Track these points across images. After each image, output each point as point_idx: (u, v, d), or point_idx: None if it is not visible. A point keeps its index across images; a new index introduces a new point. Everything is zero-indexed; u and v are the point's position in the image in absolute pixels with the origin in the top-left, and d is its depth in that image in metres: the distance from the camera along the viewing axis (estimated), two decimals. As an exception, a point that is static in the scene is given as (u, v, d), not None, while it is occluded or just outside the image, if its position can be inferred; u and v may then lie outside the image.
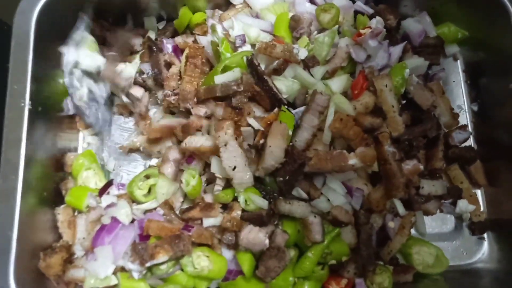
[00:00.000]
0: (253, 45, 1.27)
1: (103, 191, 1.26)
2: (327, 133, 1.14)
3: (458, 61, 1.53)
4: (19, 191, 1.09)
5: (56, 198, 1.26)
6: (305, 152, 1.13)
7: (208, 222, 1.15)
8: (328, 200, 1.15)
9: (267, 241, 1.09)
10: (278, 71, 1.20)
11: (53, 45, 1.27)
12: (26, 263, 1.10)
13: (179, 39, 1.34)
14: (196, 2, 1.34)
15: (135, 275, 1.09)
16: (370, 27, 1.24)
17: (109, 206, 1.21)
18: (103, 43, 1.38)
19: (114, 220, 1.18)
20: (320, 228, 1.11)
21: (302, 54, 1.23)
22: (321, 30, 1.33)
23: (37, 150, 1.18)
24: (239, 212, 1.12)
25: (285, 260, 1.07)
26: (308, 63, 1.23)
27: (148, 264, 1.07)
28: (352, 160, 1.08)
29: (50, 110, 1.26)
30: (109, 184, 1.28)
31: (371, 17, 1.33)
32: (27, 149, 1.12)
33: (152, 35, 1.40)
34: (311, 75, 1.24)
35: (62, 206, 1.25)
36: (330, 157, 1.09)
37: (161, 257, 1.08)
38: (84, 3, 1.28)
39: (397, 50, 1.33)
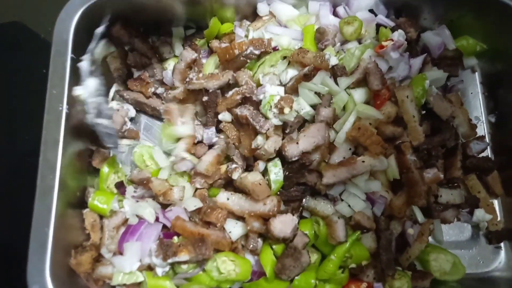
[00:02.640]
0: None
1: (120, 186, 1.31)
2: (341, 136, 1.19)
3: (476, 73, 1.56)
4: (56, 190, 1.14)
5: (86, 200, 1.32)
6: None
7: (235, 232, 1.19)
8: (349, 206, 1.19)
9: (297, 221, 1.14)
10: (308, 77, 1.26)
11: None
12: (60, 259, 1.15)
13: (215, 43, 1.40)
14: (224, 13, 1.40)
15: (159, 271, 1.14)
16: (392, 40, 1.29)
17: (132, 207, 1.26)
18: (131, 50, 1.45)
19: (138, 220, 1.23)
20: (344, 228, 1.16)
21: (333, 61, 1.28)
22: (344, 41, 1.38)
23: (73, 151, 1.23)
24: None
25: (301, 261, 1.11)
26: (337, 72, 1.28)
27: (170, 261, 1.12)
28: (362, 159, 1.13)
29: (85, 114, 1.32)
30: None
31: (392, 29, 1.37)
32: (63, 150, 1.18)
33: (179, 45, 1.47)
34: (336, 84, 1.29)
35: (87, 209, 1.28)
36: (342, 166, 1.14)
37: (183, 256, 1.12)
38: (117, 13, 1.35)
39: (417, 62, 1.37)
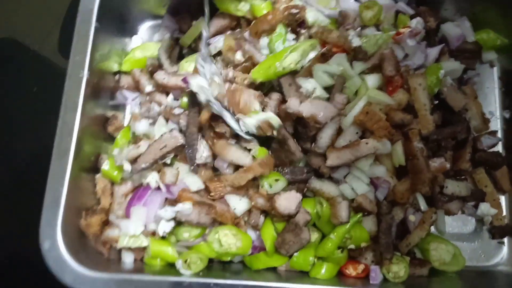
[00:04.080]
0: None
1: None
2: (348, 119, 1.20)
3: (495, 68, 1.54)
4: (72, 152, 1.20)
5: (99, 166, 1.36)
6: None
7: (240, 208, 1.22)
8: (352, 188, 1.21)
9: (301, 199, 1.16)
10: (325, 57, 1.26)
11: (113, 27, 1.40)
12: (72, 219, 1.20)
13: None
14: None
15: (161, 229, 1.18)
16: (410, 27, 1.29)
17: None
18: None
19: (144, 187, 1.26)
20: (347, 209, 1.17)
21: (356, 42, 1.28)
22: (363, 26, 1.38)
23: (90, 117, 1.29)
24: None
25: (300, 237, 1.13)
26: (358, 55, 1.27)
27: (175, 208, 1.16)
28: (365, 141, 1.15)
29: (105, 83, 1.37)
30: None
31: (411, 17, 1.37)
32: (81, 115, 1.23)
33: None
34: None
35: (99, 174, 1.33)
36: (346, 148, 1.16)
37: (187, 204, 1.17)
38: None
39: (434, 51, 1.37)
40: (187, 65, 1.39)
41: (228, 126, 1.23)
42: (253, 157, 1.25)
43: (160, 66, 1.42)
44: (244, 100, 1.21)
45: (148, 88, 1.39)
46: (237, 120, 1.23)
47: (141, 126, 1.29)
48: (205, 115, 1.23)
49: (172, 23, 1.48)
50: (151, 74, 1.39)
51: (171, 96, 1.37)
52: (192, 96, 1.26)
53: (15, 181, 1.48)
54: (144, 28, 1.56)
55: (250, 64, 1.29)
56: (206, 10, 1.30)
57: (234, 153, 1.24)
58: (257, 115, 1.20)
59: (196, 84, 1.23)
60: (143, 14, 1.51)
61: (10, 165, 1.51)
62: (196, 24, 1.43)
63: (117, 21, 1.43)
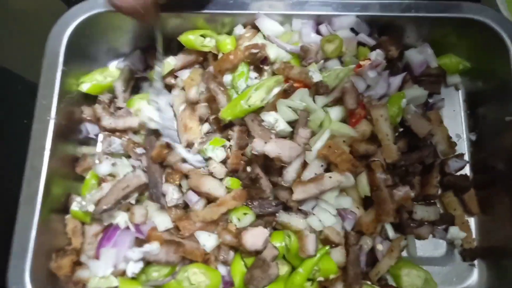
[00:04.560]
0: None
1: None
2: (313, 153, 1.23)
3: (460, 91, 1.57)
4: (40, 196, 1.21)
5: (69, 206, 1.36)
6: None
7: (209, 244, 1.23)
8: (320, 220, 1.22)
9: (268, 234, 1.19)
10: (287, 93, 1.30)
11: (81, 67, 1.42)
12: (41, 262, 1.21)
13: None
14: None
15: (129, 270, 1.18)
16: (370, 59, 1.32)
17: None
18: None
19: (113, 227, 1.27)
20: (314, 242, 1.18)
21: (317, 77, 1.31)
22: (326, 59, 1.41)
23: (59, 159, 1.29)
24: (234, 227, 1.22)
25: (269, 273, 1.14)
26: (320, 89, 1.30)
27: (142, 249, 1.17)
28: (329, 175, 1.18)
29: (73, 124, 1.38)
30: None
31: (373, 48, 1.40)
32: (50, 158, 1.24)
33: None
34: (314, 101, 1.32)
35: (69, 215, 1.32)
36: (311, 182, 1.18)
37: (154, 244, 1.18)
38: (111, 28, 1.41)
39: (396, 80, 1.40)
40: (138, 102, 1.42)
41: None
42: (227, 188, 1.27)
43: (114, 98, 1.46)
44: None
45: (107, 122, 1.40)
46: (188, 150, 1.30)
47: (103, 168, 1.30)
48: (156, 150, 1.28)
49: (137, 61, 1.50)
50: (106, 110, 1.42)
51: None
52: (149, 134, 1.32)
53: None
54: (115, 65, 1.58)
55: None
56: (159, 45, 1.32)
57: (209, 183, 1.26)
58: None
59: (147, 116, 1.32)
60: (113, 52, 1.53)
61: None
62: (165, 61, 1.45)
63: (86, 60, 1.45)
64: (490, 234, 1.39)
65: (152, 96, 1.38)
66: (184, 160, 1.30)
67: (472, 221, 1.45)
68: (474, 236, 1.42)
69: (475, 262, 1.40)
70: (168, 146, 1.31)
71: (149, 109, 1.35)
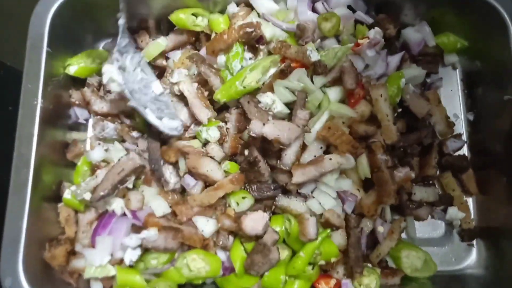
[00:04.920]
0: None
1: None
2: (312, 135, 1.19)
3: (457, 70, 1.55)
4: (30, 184, 1.16)
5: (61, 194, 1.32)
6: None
7: (207, 230, 1.20)
8: (320, 203, 1.20)
9: (268, 218, 1.16)
10: (284, 74, 1.26)
11: (67, 48, 1.35)
12: (34, 252, 1.17)
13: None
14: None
15: (127, 258, 1.15)
16: (368, 37, 1.28)
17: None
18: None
19: (109, 214, 1.23)
20: (315, 225, 1.16)
21: (314, 56, 1.27)
22: (323, 37, 1.38)
23: (48, 145, 1.24)
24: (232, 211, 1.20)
25: (270, 258, 1.12)
26: (318, 69, 1.26)
27: (140, 236, 1.13)
28: (329, 157, 1.15)
29: (61, 108, 1.32)
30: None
31: (370, 26, 1.37)
32: (38, 144, 1.19)
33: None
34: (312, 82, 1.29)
35: (62, 203, 1.28)
36: (310, 165, 1.15)
37: (152, 230, 1.15)
38: (97, 8, 1.34)
39: (395, 59, 1.37)
40: None
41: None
42: (225, 172, 1.23)
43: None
44: None
45: (98, 107, 1.34)
46: (160, 118, 1.22)
47: (96, 154, 1.25)
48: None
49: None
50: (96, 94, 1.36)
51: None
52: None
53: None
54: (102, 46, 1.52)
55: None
56: None
57: (208, 165, 1.22)
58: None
59: (109, 76, 1.21)
60: (101, 33, 1.47)
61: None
62: (155, 42, 1.40)
63: (72, 42, 1.38)
64: (489, 214, 1.39)
65: (115, 54, 1.23)
66: (179, 138, 1.25)
67: (470, 202, 1.44)
68: (472, 216, 1.42)
69: (474, 242, 1.40)
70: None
71: (110, 68, 1.22)
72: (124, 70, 1.24)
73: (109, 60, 1.26)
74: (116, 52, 1.23)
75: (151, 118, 1.21)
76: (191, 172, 1.24)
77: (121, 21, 1.23)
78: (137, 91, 1.24)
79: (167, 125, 1.23)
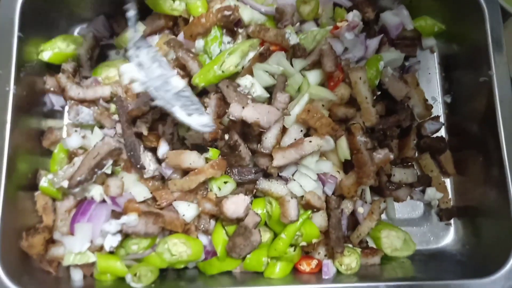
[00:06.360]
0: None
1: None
2: (291, 118, 1.19)
3: (435, 54, 1.57)
4: (4, 173, 1.13)
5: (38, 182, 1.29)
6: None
7: (188, 214, 1.19)
8: (301, 186, 1.21)
9: (249, 201, 1.16)
10: (263, 57, 1.25)
11: (40, 33, 1.31)
12: (11, 242, 1.15)
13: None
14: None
15: (107, 244, 1.14)
16: (347, 20, 1.29)
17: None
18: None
19: (88, 201, 1.22)
20: (296, 207, 1.17)
21: (294, 39, 1.26)
22: (302, 21, 1.37)
23: (22, 133, 1.21)
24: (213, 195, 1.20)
25: (251, 240, 1.13)
26: (297, 52, 1.26)
27: (120, 221, 1.12)
28: (309, 139, 1.15)
29: (35, 95, 1.29)
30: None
31: (349, 10, 1.37)
32: (11, 132, 1.16)
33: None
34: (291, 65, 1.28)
35: (38, 191, 1.25)
36: (291, 148, 1.15)
37: (132, 216, 1.13)
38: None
39: (373, 42, 1.38)
40: (106, 70, 1.33)
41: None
42: (206, 159, 1.22)
43: (78, 67, 1.37)
44: None
45: (75, 92, 1.30)
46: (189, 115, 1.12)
47: (73, 141, 1.23)
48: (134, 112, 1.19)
49: (102, 27, 1.41)
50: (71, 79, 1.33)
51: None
52: (119, 99, 1.24)
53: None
54: (78, 31, 1.48)
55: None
56: None
57: (189, 158, 1.20)
58: None
59: (129, 76, 1.14)
60: (75, 18, 1.43)
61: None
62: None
63: (45, 26, 1.34)
64: (466, 194, 1.42)
65: (132, 51, 1.13)
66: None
67: (448, 182, 1.47)
68: (450, 196, 1.45)
69: (451, 221, 1.44)
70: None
71: (129, 67, 1.13)
72: (142, 67, 1.13)
73: (129, 58, 1.16)
74: (132, 48, 1.14)
75: (181, 116, 1.11)
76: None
77: (131, 13, 1.14)
78: (160, 87, 1.12)
79: (199, 121, 1.12)
